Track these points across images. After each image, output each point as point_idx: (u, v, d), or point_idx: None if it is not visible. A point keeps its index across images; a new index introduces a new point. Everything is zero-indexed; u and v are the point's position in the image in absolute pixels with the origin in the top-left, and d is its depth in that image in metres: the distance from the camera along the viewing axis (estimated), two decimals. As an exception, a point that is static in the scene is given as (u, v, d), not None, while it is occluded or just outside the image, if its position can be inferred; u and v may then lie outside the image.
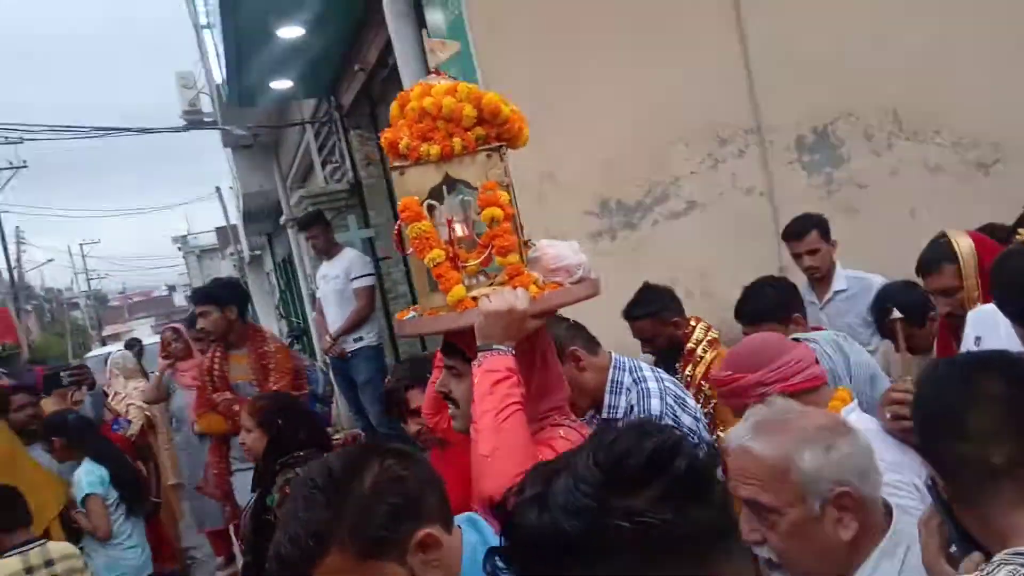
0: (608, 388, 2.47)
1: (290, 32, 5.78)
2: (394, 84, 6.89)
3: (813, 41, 4.40)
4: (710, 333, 3.32)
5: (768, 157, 4.49)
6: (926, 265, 2.74)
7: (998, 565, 1.10)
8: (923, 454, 1.27)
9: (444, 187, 1.88)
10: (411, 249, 1.88)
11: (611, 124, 4.27)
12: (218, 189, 23.46)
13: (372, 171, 7.54)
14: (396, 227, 1.91)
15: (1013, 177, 4.46)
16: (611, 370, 2.50)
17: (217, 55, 7.11)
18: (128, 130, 8.86)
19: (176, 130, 10.16)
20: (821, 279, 3.86)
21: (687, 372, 3.29)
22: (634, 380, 2.48)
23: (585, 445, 0.88)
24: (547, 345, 1.93)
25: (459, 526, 1.47)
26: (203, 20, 7.57)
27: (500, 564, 0.88)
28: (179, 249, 39.69)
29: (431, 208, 1.88)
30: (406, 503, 1.33)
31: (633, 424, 0.88)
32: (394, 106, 1.94)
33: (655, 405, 2.37)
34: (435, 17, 4.46)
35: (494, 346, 1.77)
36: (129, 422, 6.38)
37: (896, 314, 2.34)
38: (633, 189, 4.34)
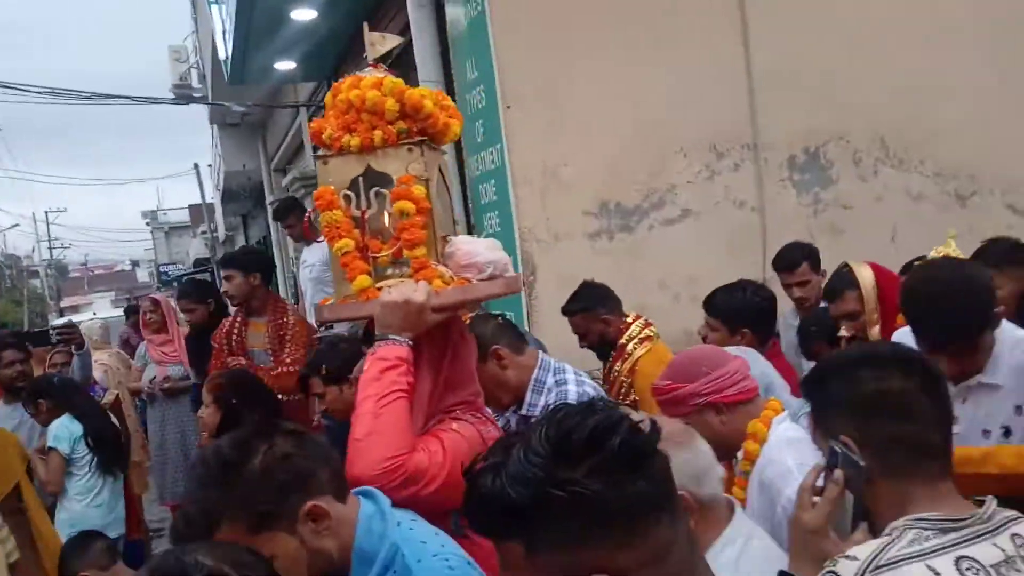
0: (531, 387, 2.55)
1: (304, 15, 5.87)
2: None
3: (813, 65, 4.63)
4: (646, 330, 3.42)
5: (762, 173, 4.70)
6: (831, 292, 3.00)
7: (903, 529, 1.23)
8: (847, 431, 1.36)
9: (362, 178, 1.90)
10: (322, 238, 1.93)
11: (616, 129, 4.45)
12: (196, 166, 23.26)
13: (367, 158, 7.63)
14: (306, 216, 1.97)
15: (988, 210, 4.73)
16: (536, 370, 2.58)
17: (224, 32, 7.15)
18: (126, 98, 8.77)
19: (173, 102, 10.10)
20: (808, 308, 3.87)
21: (616, 367, 3.41)
22: (556, 382, 2.56)
23: (542, 420, 0.96)
24: (460, 341, 1.96)
25: (359, 498, 1.55)
26: (213, -5, 7.61)
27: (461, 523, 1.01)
28: (147, 224, 39.19)
29: (348, 198, 1.90)
30: (293, 479, 1.42)
31: (584, 403, 1.00)
32: (328, 96, 1.97)
33: None
34: (456, 11, 4.60)
35: (390, 336, 1.81)
36: (105, 390, 6.38)
37: (844, 332, 2.55)
38: (632, 193, 4.52)
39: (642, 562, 0.91)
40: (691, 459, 1.51)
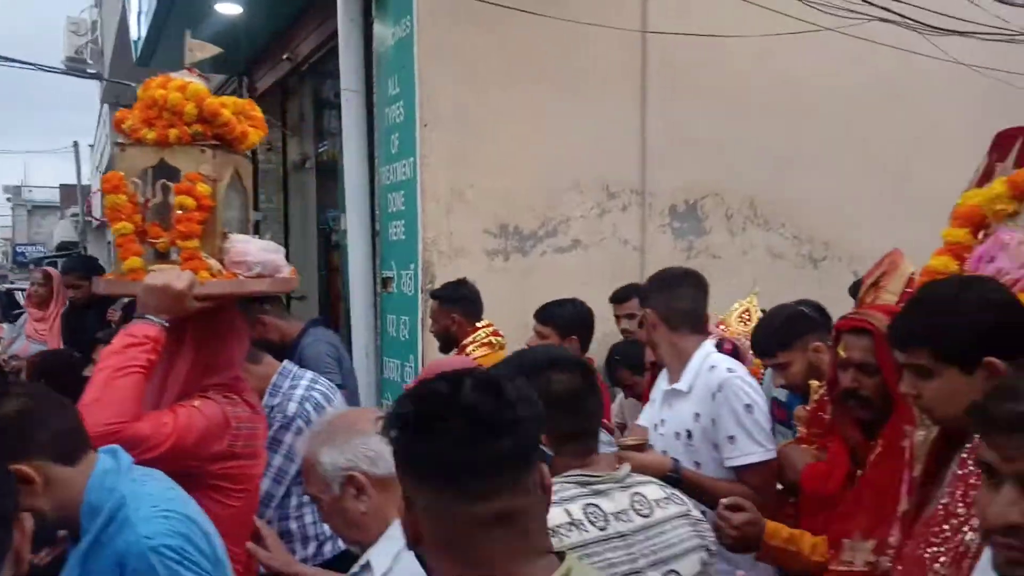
0: (268, 390, 2.77)
1: (228, 8, 5.96)
2: (311, 80, 7.18)
3: (699, 130, 5.18)
4: (492, 338, 3.71)
5: (646, 217, 5.18)
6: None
7: (553, 483, 1.53)
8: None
9: (153, 170, 2.06)
10: (105, 218, 2.13)
11: (522, 159, 4.82)
12: (76, 144, 22.12)
13: (272, 157, 7.71)
14: (87, 198, 2.15)
15: (836, 273, 5.38)
16: (276, 376, 2.81)
17: (140, 12, 7.10)
18: (41, 67, 8.41)
19: (86, 76, 9.73)
20: (630, 339, 4.05)
21: None
22: (289, 386, 2.80)
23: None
24: (229, 329, 2.12)
25: (99, 455, 1.65)
26: (132, -25, 7.52)
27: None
28: (9, 200, 36.69)
29: (136, 186, 2.05)
30: (2, 442, 1.48)
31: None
32: (140, 89, 2.12)
33: (291, 408, 2.73)
34: (384, 30, 4.86)
35: (147, 316, 1.95)
36: (-36, 362, 6.10)
37: (650, 359, 2.91)
38: (530, 220, 4.89)
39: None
40: (368, 443, 1.64)
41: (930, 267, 1.88)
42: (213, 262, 2.05)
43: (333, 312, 7.00)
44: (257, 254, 2.11)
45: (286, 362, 2.90)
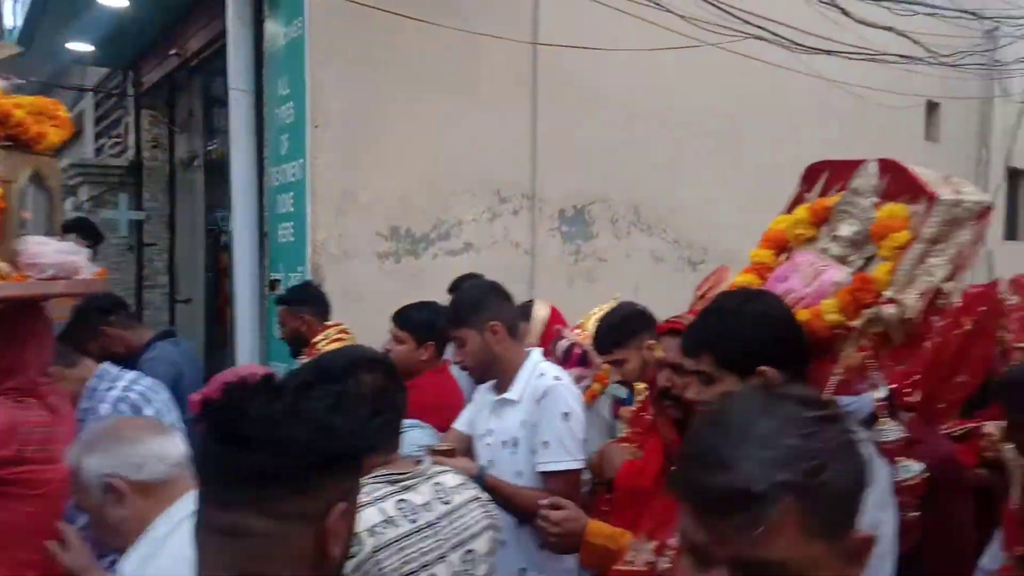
0: (85, 393, 2.76)
1: (113, 0, 5.77)
2: (201, 77, 7.01)
3: (587, 139, 5.38)
4: (341, 335, 3.70)
5: (536, 221, 5.33)
6: None
7: (365, 484, 1.46)
8: None
9: None
10: None
11: (415, 162, 4.88)
12: (-60, 135, 20.63)
13: (157, 154, 7.48)
14: None
15: (712, 276, 5.68)
16: (92, 378, 2.79)
17: (15, 0, 6.77)
18: None
19: None
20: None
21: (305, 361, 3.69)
22: (106, 388, 2.78)
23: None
24: (24, 335, 2.11)
25: None
26: (5, -40, 7.15)
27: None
28: None
29: None
30: None
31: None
32: None
33: (104, 409, 2.73)
34: (275, 29, 4.82)
35: None
36: None
37: None
38: (422, 223, 4.95)
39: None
40: (133, 450, 1.66)
41: (736, 284, 1.98)
42: (3, 264, 2.00)
43: (220, 315, 6.86)
44: (52, 256, 2.07)
45: (105, 364, 2.85)
